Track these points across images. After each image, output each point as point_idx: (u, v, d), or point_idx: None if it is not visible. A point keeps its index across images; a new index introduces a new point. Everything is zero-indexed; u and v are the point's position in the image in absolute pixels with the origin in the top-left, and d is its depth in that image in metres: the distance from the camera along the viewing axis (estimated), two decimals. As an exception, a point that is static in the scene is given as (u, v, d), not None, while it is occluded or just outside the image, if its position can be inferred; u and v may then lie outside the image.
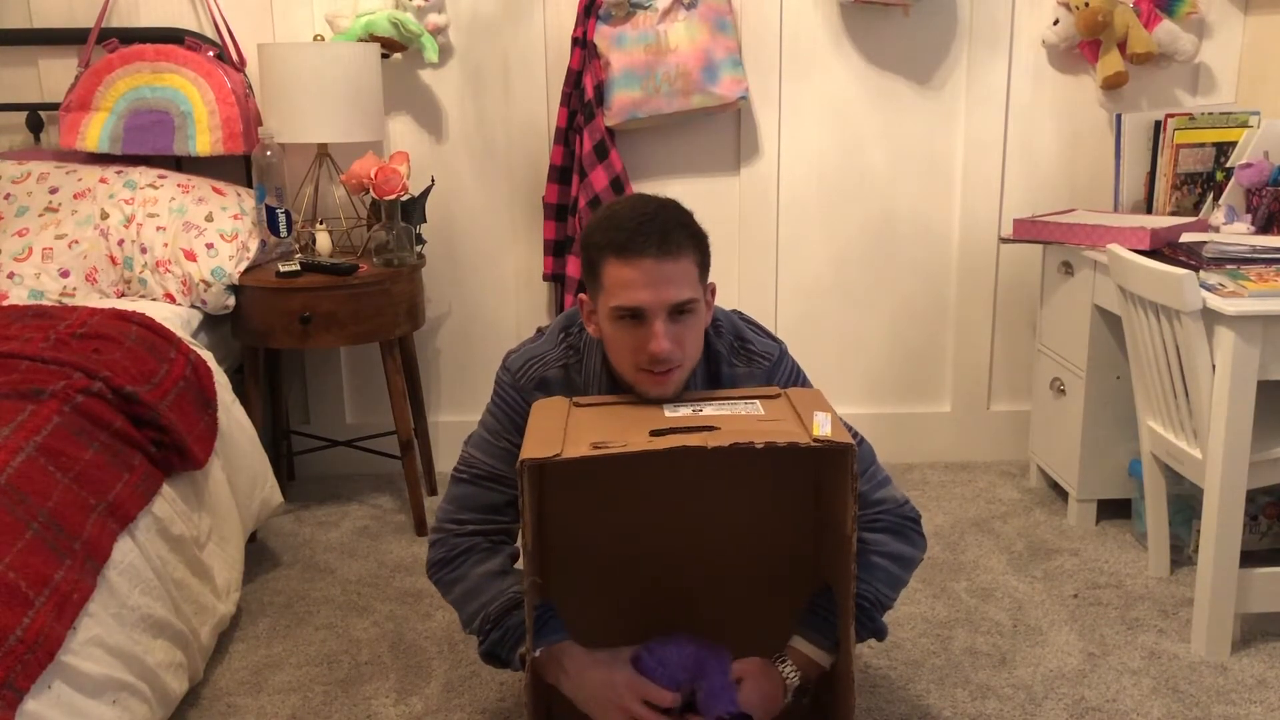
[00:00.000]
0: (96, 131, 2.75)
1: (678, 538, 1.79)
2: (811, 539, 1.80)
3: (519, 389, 1.79)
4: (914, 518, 1.79)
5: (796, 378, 1.83)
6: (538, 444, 1.53)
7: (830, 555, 1.70)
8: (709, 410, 1.61)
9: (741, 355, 1.80)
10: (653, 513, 1.78)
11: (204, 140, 2.73)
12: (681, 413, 1.61)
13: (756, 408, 1.62)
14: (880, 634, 1.73)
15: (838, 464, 1.58)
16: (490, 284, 3.13)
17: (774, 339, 1.85)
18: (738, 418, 1.57)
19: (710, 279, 1.73)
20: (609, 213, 1.68)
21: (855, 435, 1.78)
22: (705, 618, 1.77)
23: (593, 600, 1.79)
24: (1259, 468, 2.13)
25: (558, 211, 2.97)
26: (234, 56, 2.91)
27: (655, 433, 1.53)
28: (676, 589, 1.79)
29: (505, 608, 1.68)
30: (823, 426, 1.53)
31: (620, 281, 1.62)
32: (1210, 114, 2.74)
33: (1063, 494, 2.91)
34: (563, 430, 1.57)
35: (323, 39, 2.80)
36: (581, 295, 1.75)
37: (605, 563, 1.80)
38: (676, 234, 1.63)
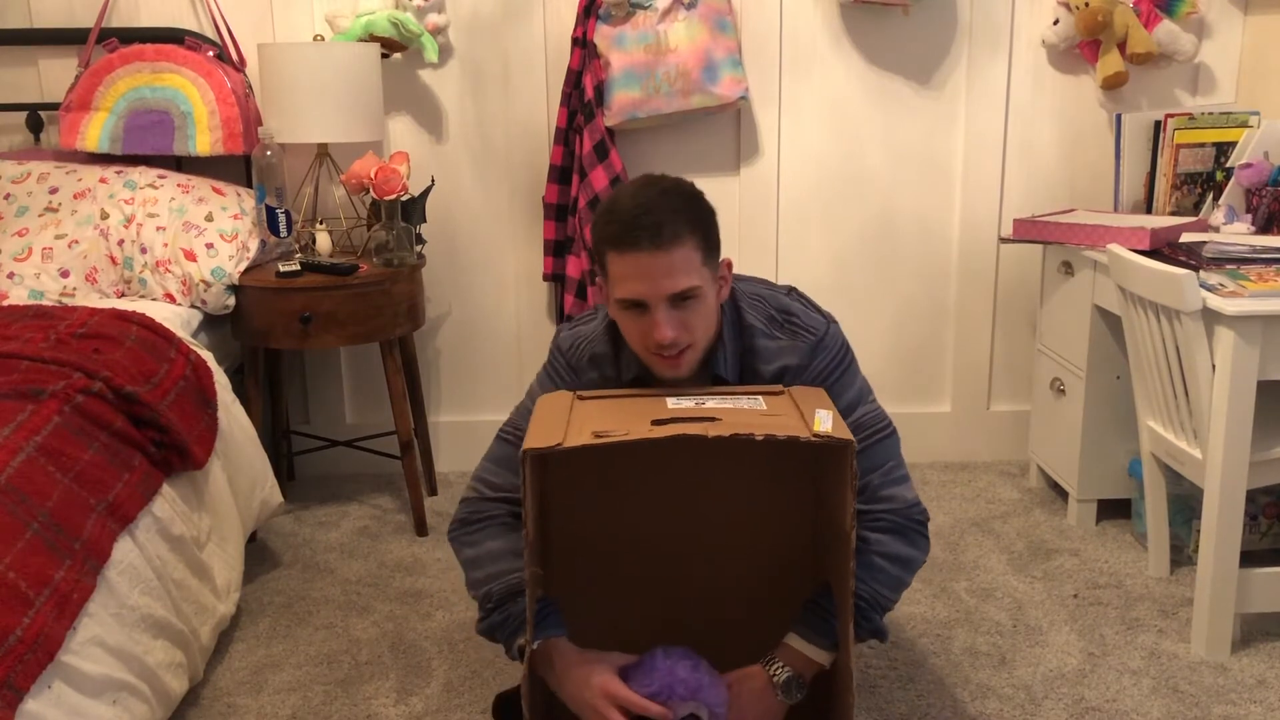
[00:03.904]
0: (96, 131, 2.75)
1: (678, 533, 1.79)
2: (811, 536, 1.80)
3: (572, 367, 1.83)
4: (920, 520, 1.78)
5: (842, 358, 1.79)
6: (540, 434, 1.54)
7: (829, 553, 1.70)
8: (711, 403, 1.63)
9: (786, 328, 1.78)
10: (654, 508, 1.79)
11: (204, 140, 2.73)
12: (685, 405, 1.62)
13: (759, 403, 1.64)
14: (880, 635, 1.72)
15: (838, 460, 1.58)
16: (490, 284, 3.13)
17: (824, 315, 1.82)
18: (739, 411, 1.58)
19: (729, 258, 1.73)
20: (610, 203, 1.69)
21: (888, 428, 1.77)
22: (704, 613, 1.78)
23: (592, 593, 1.79)
24: (1259, 468, 2.13)
25: (558, 211, 2.97)
26: (234, 56, 2.92)
27: (657, 423, 1.54)
28: (676, 584, 1.79)
29: (509, 590, 1.69)
30: (824, 423, 1.53)
31: (620, 274, 1.65)
32: (1210, 114, 2.74)
33: (1063, 494, 2.91)
34: (565, 422, 1.58)
35: (323, 39, 2.80)
36: (599, 281, 1.77)
37: (606, 557, 1.80)
38: (672, 224, 1.62)
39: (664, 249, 1.61)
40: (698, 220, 1.66)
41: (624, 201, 1.65)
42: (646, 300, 1.64)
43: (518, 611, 1.67)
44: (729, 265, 1.75)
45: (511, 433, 1.84)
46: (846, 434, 1.52)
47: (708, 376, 1.77)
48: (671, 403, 1.63)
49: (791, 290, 1.86)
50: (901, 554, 1.73)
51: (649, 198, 1.64)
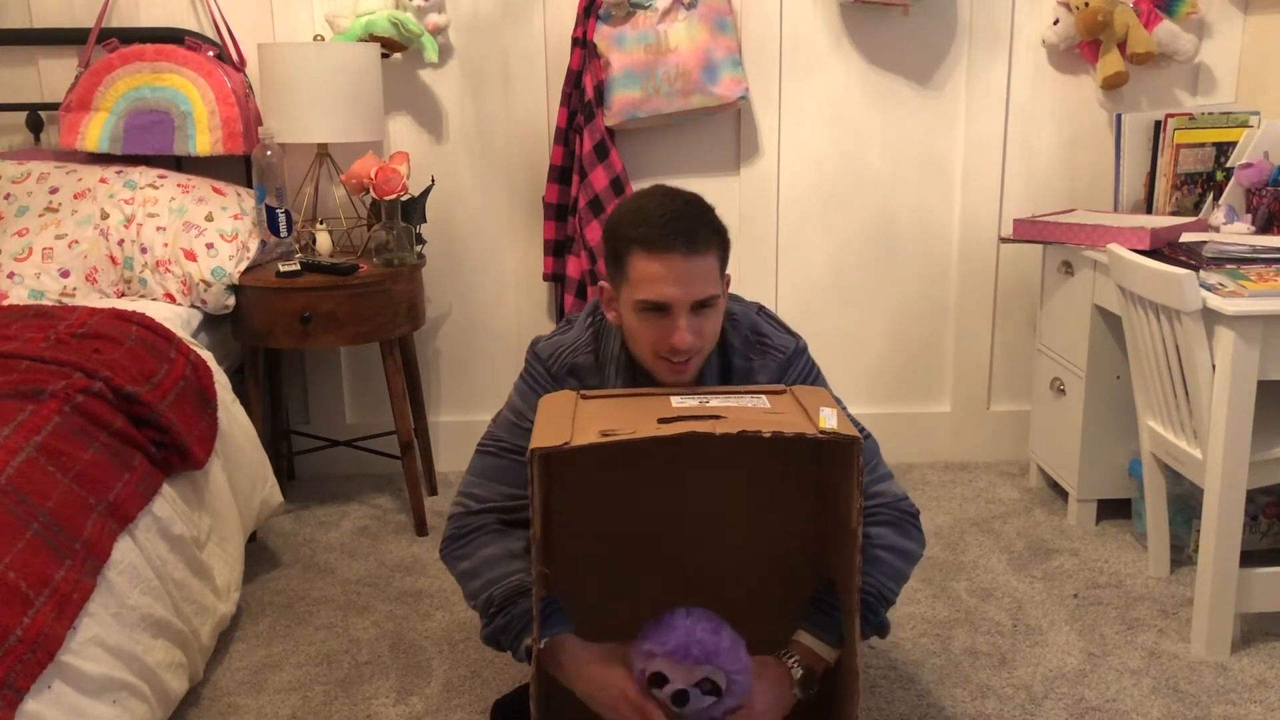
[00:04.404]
0: (96, 131, 2.75)
1: (681, 531, 1.80)
2: (815, 534, 1.80)
3: (552, 375, 1.83)
4: (913, 513, 1.81)
5: (810, 373, 1.86)
6: (546, 434, 1.54)
7: (834, 550, 1.70)
8: (715, 402, 1.64)
9: (757, 349, 1.84)
10: (659, 507, 1.79)
11: (204, 140, 2.73)
12: (689, 404, 1.63)
13: (763, 401, 1.65)
14: (883, 629, 1.74)
15: (843, 457, 1.59)
16: (490, 284, 3.13)
17: (792, 334, 1.88)
18: (744, 409, 1.60)
19: (730, 274, 1.77)
20: (637, 205, 1.71)
21: (862, 430, 1.80)
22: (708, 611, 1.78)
23: (595, 591, 1.79)
24: (1259, 468, 2.13)
25: (558, 211, 2.97)
26: (234, 56, 2.92)
27: (663, 421, 1.54)
28: (679, 581, 1.79)
29: (510, 593, 1.69)
30: (828, 420, 1.54)
31: (647, 276, 1.66)
32: (1210, 114, 2.74)
33: (1063, 494, 2.91)
34: (571, 421, 1.58)
35: (323, 39, 2.80)
36: (602, 284, 1.78)
37: (608, 555, 1.81)
38: (703, 232, 1.67)
39: (696, 255, 1.66)
40: (720, 233, 1.72)
41: (653, 206, 1.68)
42: (672, 304, 1.66)
43: (521, 613, 1.67)
44: (729, 281, 1.79)
45: (492, 444, 1.84)
46: (852, 431, 1.53)
47: None
48: (675, 401, 1.64)
49: (761, 309, 1.91)
50: (901, 546, 1.76)
51: (677, 205, 1.69)
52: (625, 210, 1.73)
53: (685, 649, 1.56)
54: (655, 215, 1.66)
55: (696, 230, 1.66)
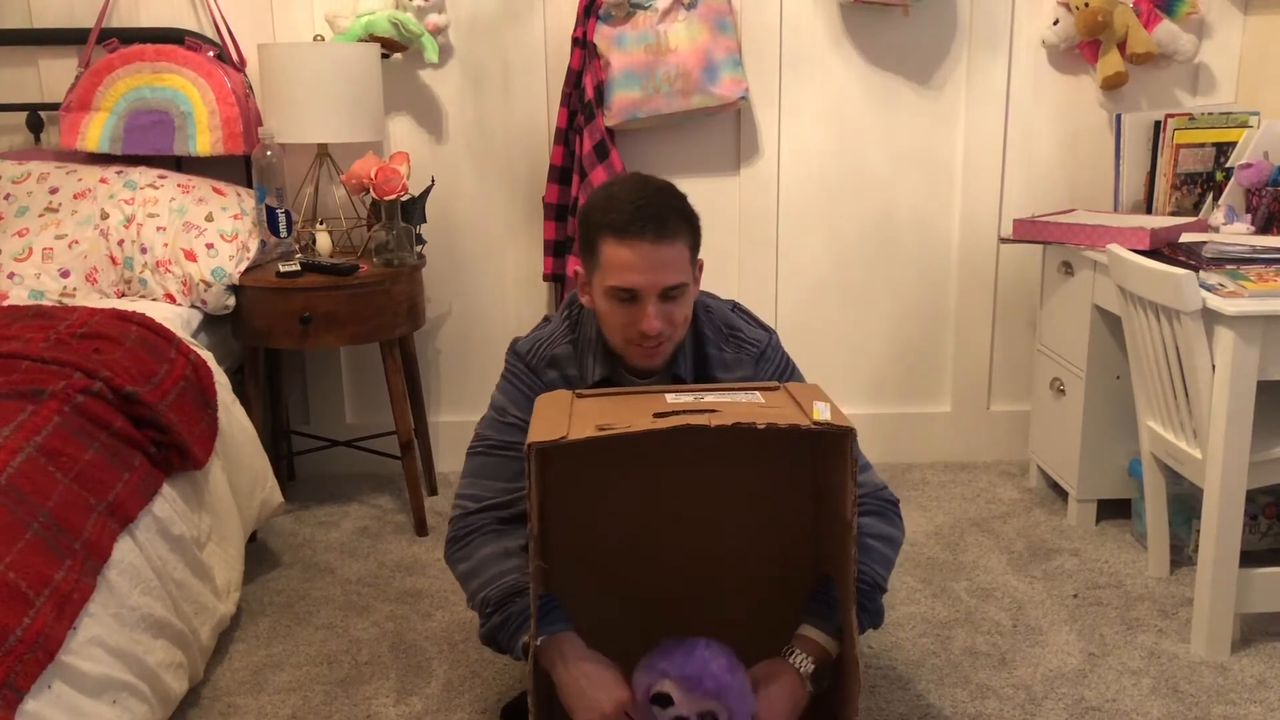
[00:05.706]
0: (97, 131, 2.75)
1: (679, 528, 1.81)
2: (811, 530, 1.81)
3: (532, 369, 1.85)
4: (893, 501, 1.84)
5: (785, 366, 1.89)
6: (543, 429, 1.56)
7: (830, 542, 1.71)
8: (710, 398, 1.65)
9: (731, 341, 1.87)
10: (653, 503, 1.80)
11: (204, 140, 2.73)
12: (683, 399, 1.64)
13: (757, 397, 1.67)
14: (878, 619, 1.75)
15: (837, 449, 1.60)
16: (490, 284, 3.13)
17: (765, 329, 1.91)
18: (738, 404, 1.61)
19: (702, 259, 1.80)
20: (608, 192, 1.74)
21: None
22: (705, 607, 1.78)
23: (591, 588, 1.80)
24: (1259, 468, 2.13)
25: (558, 211, 2.97)
26: (234, 57, 2.92)
27: (659, 416, 1.55)
28: (676, 578, 1.80)
29: (506, 592, 1.70)
30: (822, 413, 1.55)
31: (617, 262, 1.69)
32: (1210, 114, 2.74)
33: (1063, 494, 2.91)
34: (568, 418, 1.59)
35: (323, 39, 2.80)
36: (576, 268, 1.80)
37: (608, 552, 1.81)
38: (673, 219, 1.69)
39: (665, 242, 1.68)
40: (690, 220, 1.74)
41: (624, 193, 1.71)
42: (640, 291, 1.69)
43: (517, 611, 1.68)
44: (701, 267, 1.82)
45: (480, 444, 1.86)
46: (846, 422, 1.54)
47: (668, 376, 1.83)
48: (671, 398, 1.65)
49: (735, 305, 1.94)
50: (887, 534, 1.79)
51: (648, 193, 1.71)
52: (597, 196, 1.75)
53: (699, 679, 1.56)
54: (626, 202, 1.68)
55: (666, 218, 1.68)
